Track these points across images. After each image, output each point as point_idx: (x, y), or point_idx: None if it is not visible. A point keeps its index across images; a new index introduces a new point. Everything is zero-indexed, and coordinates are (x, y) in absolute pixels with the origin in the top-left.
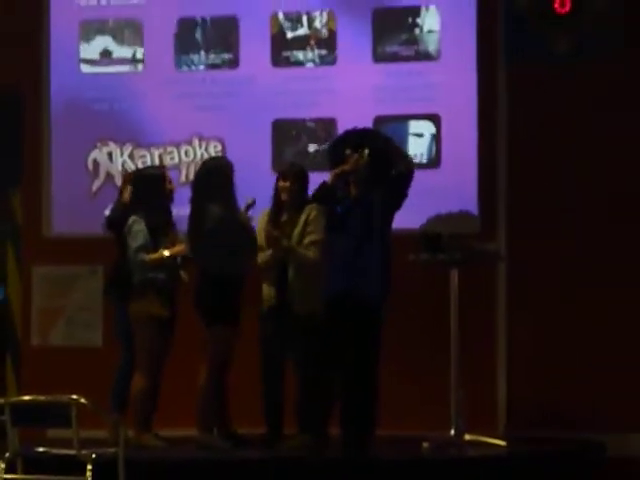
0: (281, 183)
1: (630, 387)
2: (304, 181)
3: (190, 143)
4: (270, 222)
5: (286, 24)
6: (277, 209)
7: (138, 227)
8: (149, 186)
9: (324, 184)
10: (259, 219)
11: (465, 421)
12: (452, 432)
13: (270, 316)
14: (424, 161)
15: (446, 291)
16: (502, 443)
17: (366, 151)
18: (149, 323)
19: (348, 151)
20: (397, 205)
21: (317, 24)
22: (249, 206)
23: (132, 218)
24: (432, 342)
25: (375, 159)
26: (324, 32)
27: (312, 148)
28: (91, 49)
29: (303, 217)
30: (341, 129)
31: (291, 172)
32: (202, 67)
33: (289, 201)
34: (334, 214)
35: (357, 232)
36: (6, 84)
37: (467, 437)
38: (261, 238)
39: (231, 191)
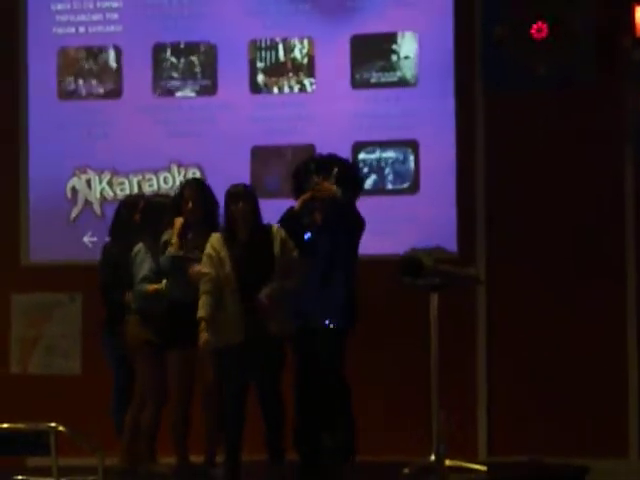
0: (233, 206)
1: (614, 412)
2: (256, 202)
3: (169, 170)
4: (225, 245)
5: (264, 51)
6: (231, 232)
7: (143, 256)
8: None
9: (291, 210)
10: (211, 241)
11: (446, 447)
12: (432, 458)
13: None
14: (404, 187)
15: (426, 317)
16: (483, 468)
17: (333, 179)
18: (146, 350)
19: (316, 178)
20: (361, 231)
21: (296, 51)
22: None
23: (138, 247)
24: (412, 368)
25: (340, 184)
26: (303, 59)
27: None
28: (69, 79)
29: (277, 237)
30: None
31: (243, 193)
32: (180, 94)
33: (243, 223)
34: (302, 241)
35: (324, 259)
36: None
37: (448, 463)
38: (210, 261)
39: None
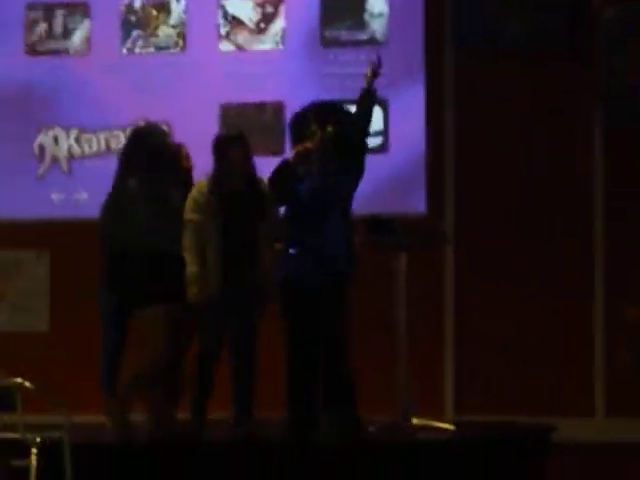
0: (230, 151)
1: (581, 372)
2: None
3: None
4: (213, 193)
5: (231, 6)
6: (222, 180)
7: None
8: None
9: (286, 162)
10: (198, 186)
11: (413, 405)
12: (400, 416)
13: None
14: (374, 145)
15: (392, 276)
16: (450, 427)
17: (330, 129)
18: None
19: (314, 127)
20: (358, 179)
21: (266, 7)
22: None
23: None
24: (378, 326)
25: (339, 134)
26: (271, 16)
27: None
28: (35, 34)
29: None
30: (289, 112)
31: (240, 138)
32: (149, 50)
33: (239, 171)
34: (293, 193)
35: (322, 209)
36: None
37: (415, 421)
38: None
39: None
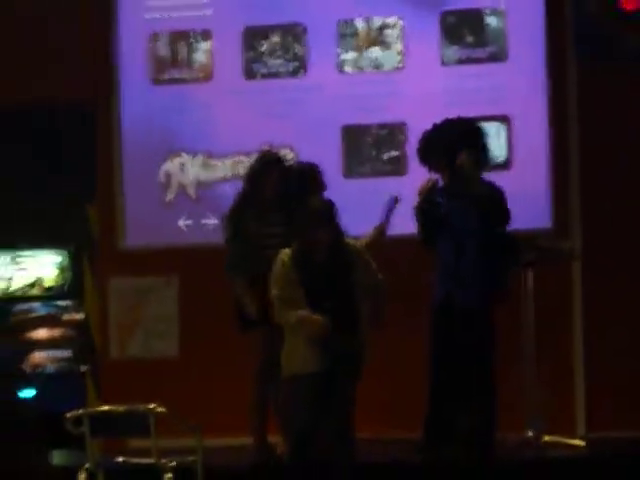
0: (316, 232)
1: None
2: (338, 220)
3: None
4: (297, 265)
5: (350, 30)
6: (306, 252)
7: None
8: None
9: (434, 183)
10: (282, 257)
11: (543, 422)
12: (530, 433)
13: None
14: (497, 162)
15: (519, 293)
16: (581, 444)
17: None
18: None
19: (464, 155)
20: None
21: (386, 29)
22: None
23: None
24: (506, 344)
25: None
26: (393, 37)
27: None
28: (159, 62)
29: (361, 258)
30: (411, 133)
31: (327, 215)
32: (270, 75)
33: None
34: (436, 215)
35: (459, 233)
36: (79, 99)
37: (546, 438)
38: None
39: None
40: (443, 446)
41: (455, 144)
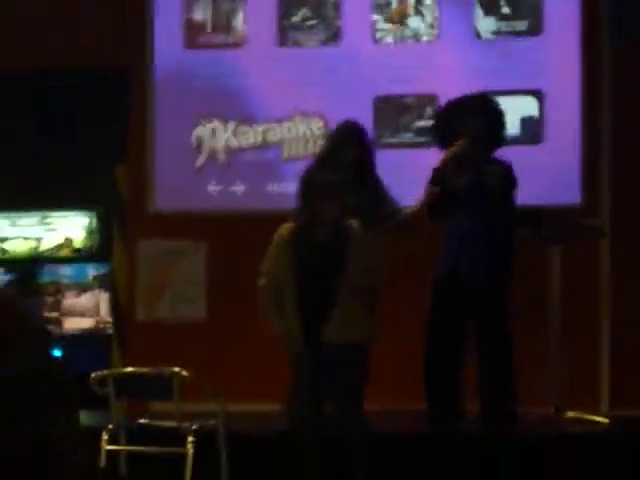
0: (319, 202)
1: None
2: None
3: (292, 119)
4: (293, 240)
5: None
6: (306, 227)
7: None
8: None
9: (436, 171)
10: (281, 231)
11: (567, 398)
12: (553, 409)
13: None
14: (526, 137)
15: (547, 270)
16: (605, 420)
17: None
18: None
19: (464, 129)
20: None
21: (421, 0)
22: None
23: None
24: (534, 319)
25: (489, 131)
26: (427, 8)
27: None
28: (195, 25)
29: (356, 239)
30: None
31: (331, 188)
32: (304, 43)
33: (324, 222)
34: (446, 196)
35: (472, 212)
36: (112, 63)
37: (569, 414)
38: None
39: None
40: (448, 408)
41: (462, 119)
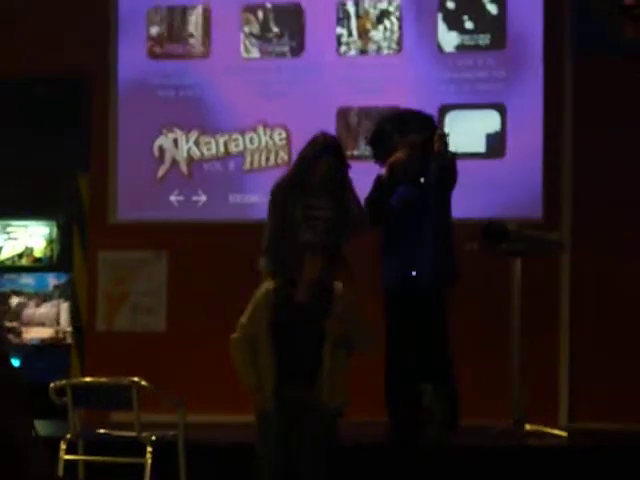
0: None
1: None
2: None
3: (255, 130)
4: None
5: (349, 12)
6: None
7: None
8: None
9: (379, 179)
10: (263, 288)
11: (526, 411)
12: (512, 422)
13: None
14: (488, 151)
15: (507, 283)
16: (563, 434)
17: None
18: None
19: (396, 138)
20: (450, 187)
21: (385, 13)
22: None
23: None
24: (492, 333)
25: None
26: (390, 22)
27: None
28: (158, 36)
29: (341, 301)
30: None
31: (318, 246)
32: (267, 55)
33: (306, 282)
34: (389, 206)
35: (415, 217)
36: (74, 67)
37: (528, 427)
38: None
39: None
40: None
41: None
